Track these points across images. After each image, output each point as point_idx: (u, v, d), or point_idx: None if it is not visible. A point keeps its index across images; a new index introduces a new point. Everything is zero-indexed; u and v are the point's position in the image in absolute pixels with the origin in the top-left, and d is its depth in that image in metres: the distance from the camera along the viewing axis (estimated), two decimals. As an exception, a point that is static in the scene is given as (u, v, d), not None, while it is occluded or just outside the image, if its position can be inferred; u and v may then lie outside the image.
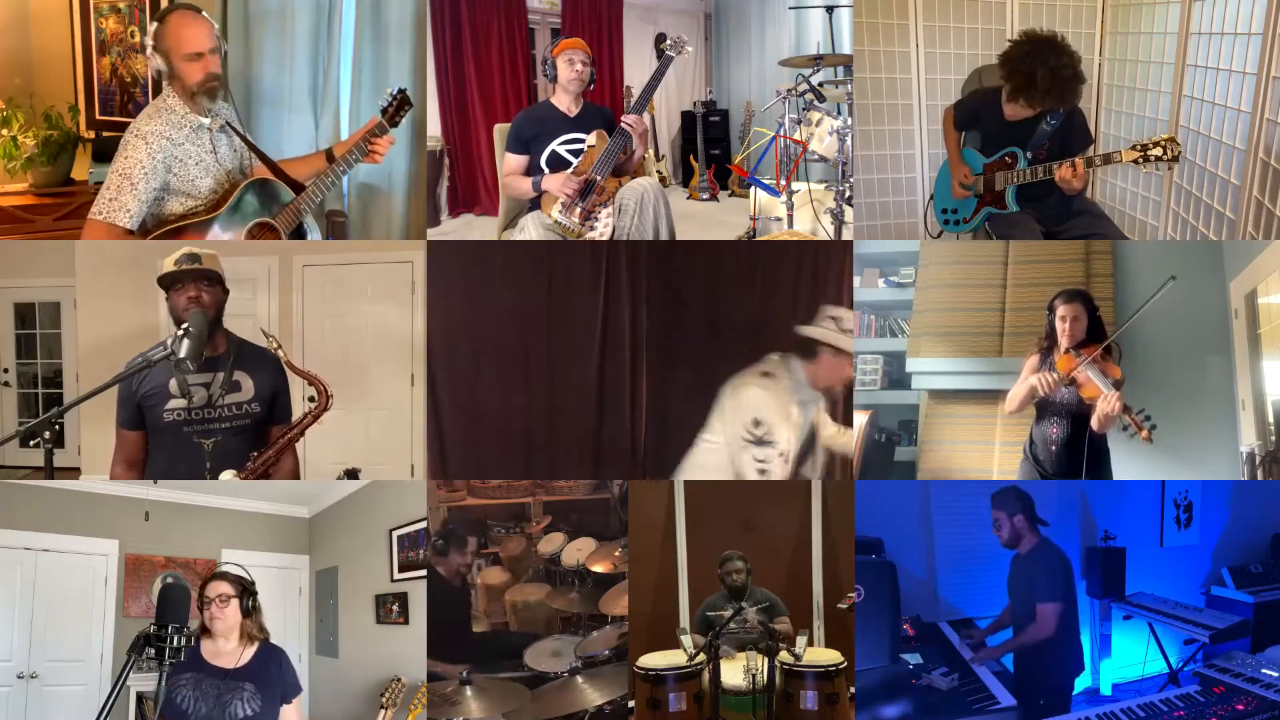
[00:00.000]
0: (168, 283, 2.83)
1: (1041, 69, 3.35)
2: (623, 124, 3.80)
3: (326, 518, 4.76)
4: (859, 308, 4.91)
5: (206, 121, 3.36)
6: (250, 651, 2.66)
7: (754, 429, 3.24)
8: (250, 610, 2.68)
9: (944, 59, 4.57)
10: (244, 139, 3.54)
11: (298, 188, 3.53)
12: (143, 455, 2.94)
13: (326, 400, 2.88)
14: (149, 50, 3.30)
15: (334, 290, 4.62)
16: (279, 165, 3.54)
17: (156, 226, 3.33)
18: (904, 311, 4.92)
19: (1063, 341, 3.22)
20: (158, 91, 4.25)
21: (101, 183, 3.29)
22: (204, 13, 3.36)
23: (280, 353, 2.85)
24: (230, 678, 2.59)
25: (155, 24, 3.31)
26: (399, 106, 3.56)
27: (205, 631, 2.66)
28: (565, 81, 3.82)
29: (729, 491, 3.64)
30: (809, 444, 3.38)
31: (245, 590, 2.68)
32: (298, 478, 3.03)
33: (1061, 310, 3.23)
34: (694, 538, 3.77)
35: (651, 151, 6.30)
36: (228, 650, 2.64)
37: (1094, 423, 3.11)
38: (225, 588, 2.65)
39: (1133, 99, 4.37)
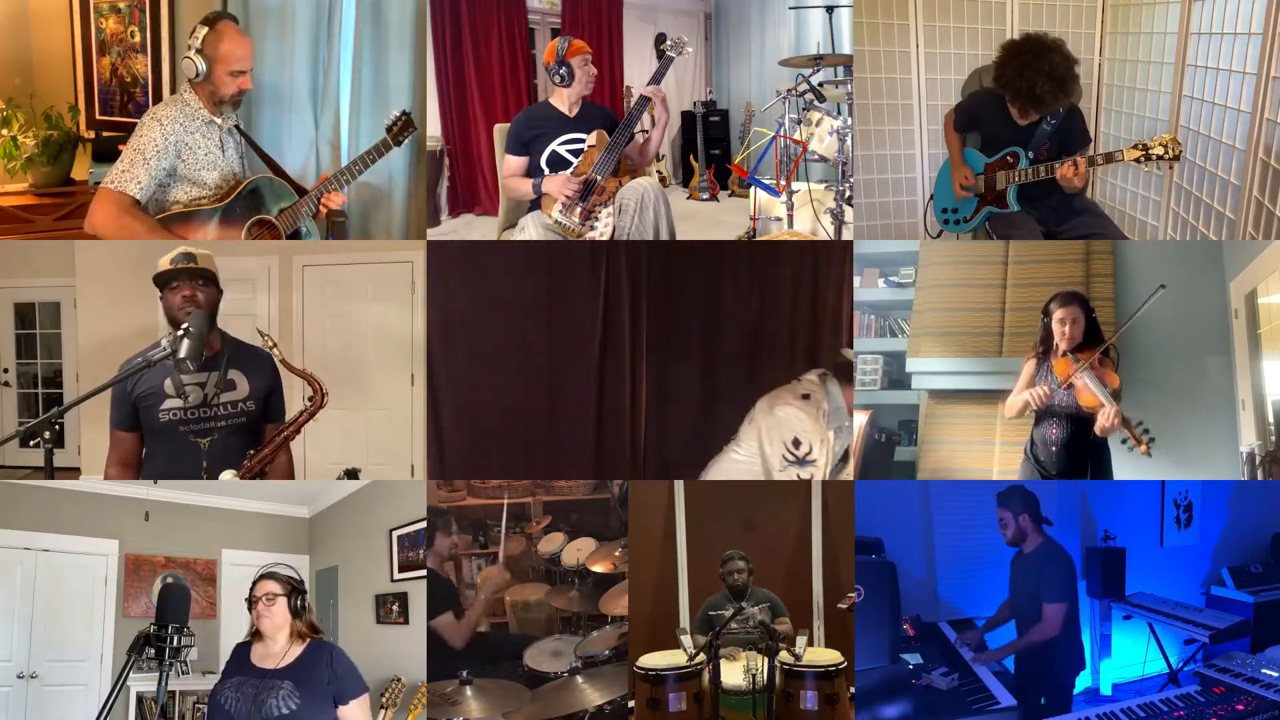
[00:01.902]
0: (163, 281, 2.84)
1: (1040, 78, 3.35)
2: (643, 95, 3.81)
3: (326, 518, 4.76)
4: (859, 308, 4.92)
5: (218, 120, 3.49)
6: (297, 650, 2.58)
7: (795, 449, 3.24)
8: (299, 610, 2.61)
9: (944, 59, 4.57)
10: (250, 141, 3.65)
11: (302, 191, 3.64)
12: (137, 456, 2.95)
13: (322, 398, 2.88)
14: (192, 51, 3.39)
15: (334, 290, 4.62)
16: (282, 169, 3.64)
17: (160, 214, 3.40)
18: (904, 311, 4.92)
19: (1060, 344, 3.21)
20: (158, 91, 4.29)
21: (101, 183, 3.35)
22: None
23: (275, 352, 2.86)
24: (270, 677, 2.52)
25: (204, 29, 3.40)
26: (403, 128, 3.65)
27: (256, 635, 2.61)
28: (583, 85, 3.81)
29: (729, 491, 3.64)
30: (838, 468, 3.40)
31: (294, 589, 2.62)
32: (292, 476, 3.04)
33: (1059, 313, 3.22)
34: (694, 538, 3.77)
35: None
36: (275, 651, 2.58)
37: (1096, 428, 3.11)
38: (273, 586, 2.60)
39: (1133, 99, 4.37)
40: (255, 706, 2.46)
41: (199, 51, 3.38)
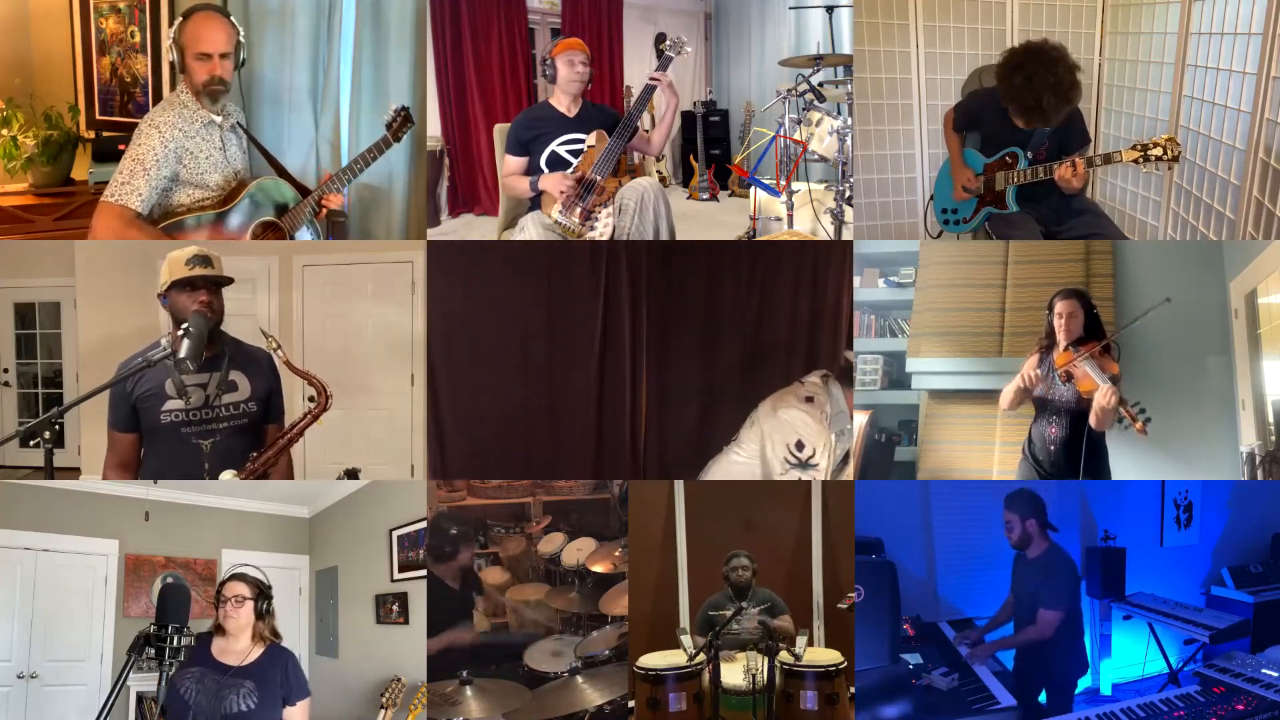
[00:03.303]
0: (178, 286, 2.82)
1: (1046, 92, 3.34)
2: (648, 84, 3.83)
3: (326, 518, 4.76)
4: (859, 308, 4.92)
5: (218, 119, 3.46)
6: (258, 652, 2.69)
7: (798, 452, 3.25)
8: (264, 613, 2.73)
9: (944, 59, 4.57)
10: (253, 141, 3.64)
11: (304, 191, 3.64)
12: (136, 457, 2.94)
13: (326, 401, 2.88)
14: (169, 43, 3.41)
15: (334, 290, 4.62)
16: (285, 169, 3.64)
17: (164, 218, 3.38)
18: (904, 311, 4.92)
19: (1060, 338, 3.24)
20: (158, 91, 4.30)
21: (101, 183, 3.34)
22: (231, 18, 3.47)
23: (280, 353, 2.86)
24: (232, 674, 2.62)
25: (180, 19, 3.41)
26: (402, 123, 3.64)
27: (218, 629, 2.70)
28: (564, 82, 3.82)
29: (729, 491, 3.64)
30: (839, 470, 3.41)
31: (261, 593, 2.73)
32: (291, 476, 3.05)
33: (1059, 307, 3.26)
34: (694, 538, 3.77)
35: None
36: (237, 649, 2.68)
37: (1092, 419, 3.12)
38: (242, 589, 2.70)
39: (1133, 99, 4.37)
40: (216, 700, 2.57)
41: (174, 42, 3.39)
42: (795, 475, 3.28)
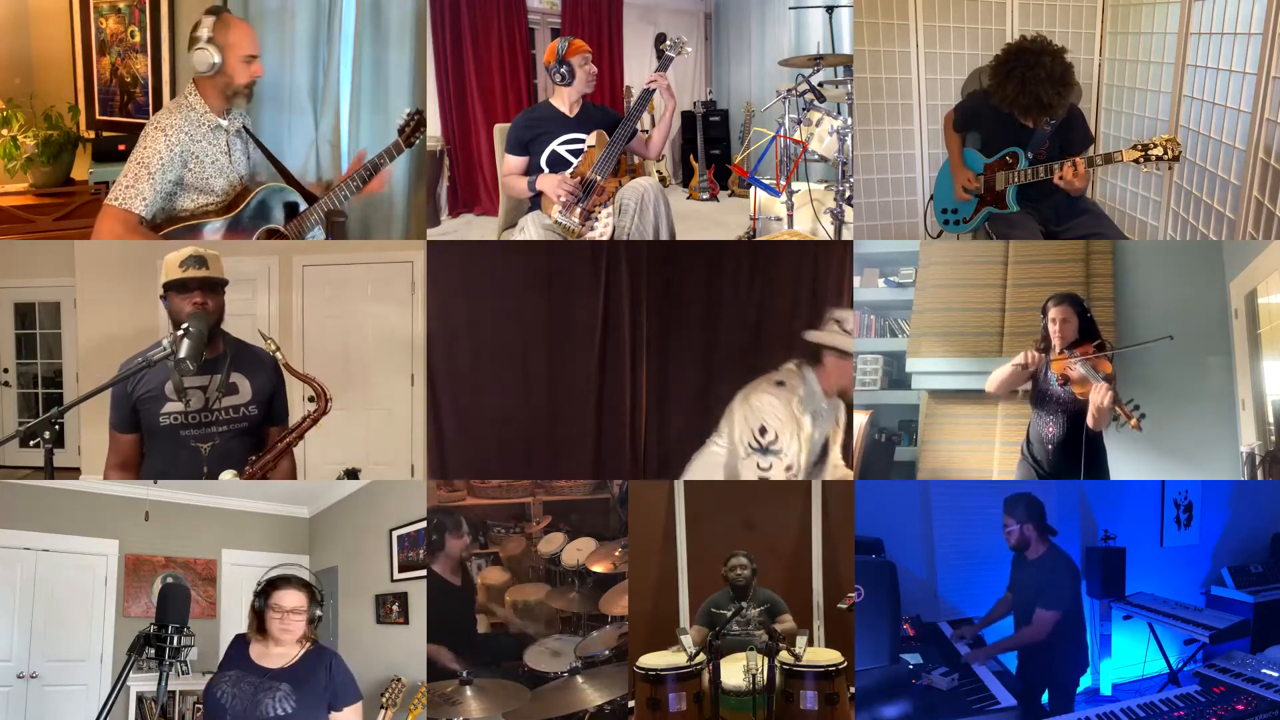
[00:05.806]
0: (172, 288, 2.81)
1: (1042, 87, 3.33)
2: (646, 87, 3.82)
3: (326, 518, 4.76)
4: (859, 308, 4.92)
5: (224, 123, 3.42)
6: (298, 654, 2.59)
7: (760, 437, 3.23)
8: (315, 619, 2.62)
9: (944, 59, 4.57)
10: (259, 145, 3.61)
11: (310, 197, 3.63)
12: (137, 457, 2.93)
13: (325, 403, 2.87)
14: (203, 42, 3.30)
15: (334, 290, 4.62)
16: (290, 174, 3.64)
17: (167, 223, 3.37)
18: (904, 311, 4.92)
19: (1055, 343, 3.25)
20: (158, 91, 4.29)
21: (101, 183, 3.33)
22: None
23: (279, 355, 2.84)
24: (269, 677, 2.53)
25: (211, 18, 3.32)
26: (415, 128, 3.62)
27: (260, 634, 2.59)
28: (583, 84, 3.81)
29: (729, 491, 3.63)
30: (821, 455, 3.38)
31: (315, 600, 2.61)
32: (294, 478, 3.03)
33: (1052, 313, 3.27)
34: (694, 538, 3.77)
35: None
36: (277, 652, 2.58)
37: (1089, 419, 3.12)
38: (301, 601, 2.57)
39: (1133, 99, 4.37)
40: (252, 705, 2.48)
41: (210, 41, 3.29)
42: (755, 461, 3.25)
